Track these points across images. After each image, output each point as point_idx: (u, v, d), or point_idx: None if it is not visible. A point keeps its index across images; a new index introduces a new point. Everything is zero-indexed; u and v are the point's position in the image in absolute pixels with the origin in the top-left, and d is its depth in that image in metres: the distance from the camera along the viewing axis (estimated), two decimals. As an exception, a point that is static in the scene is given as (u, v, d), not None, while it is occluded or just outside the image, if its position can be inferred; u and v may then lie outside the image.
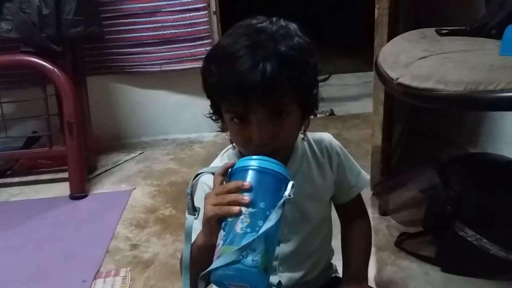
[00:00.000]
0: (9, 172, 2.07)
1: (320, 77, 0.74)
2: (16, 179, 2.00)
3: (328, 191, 0.85)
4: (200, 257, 0.66)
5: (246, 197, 0.59)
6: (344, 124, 2.38)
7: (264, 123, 0.67)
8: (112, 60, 2.25)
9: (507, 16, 1.01)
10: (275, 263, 0.61)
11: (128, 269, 1.31)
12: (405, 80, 0.94)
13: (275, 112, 0.67)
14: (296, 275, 0.82)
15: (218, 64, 0.68)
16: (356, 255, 0.87)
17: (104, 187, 1.88)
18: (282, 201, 0.60)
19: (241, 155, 0.80)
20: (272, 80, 0.63)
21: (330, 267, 0.91)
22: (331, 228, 0.90)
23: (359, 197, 0.89)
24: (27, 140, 2.15)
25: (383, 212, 1.44)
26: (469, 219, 1.11)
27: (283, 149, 0.72)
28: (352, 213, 0.90)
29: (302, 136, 0.81)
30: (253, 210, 0.59)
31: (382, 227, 1.40)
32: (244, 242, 0.57)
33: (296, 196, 0.65)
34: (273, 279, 0.74)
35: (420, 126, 2.06)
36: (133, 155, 2.20)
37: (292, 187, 0.61)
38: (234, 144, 0.79)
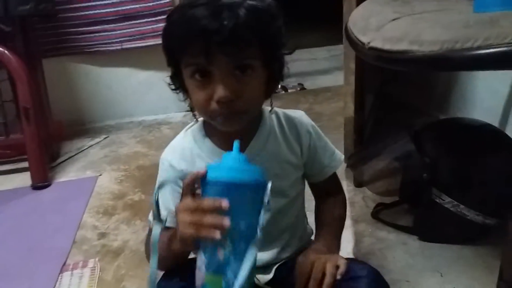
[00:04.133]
0: (-36, 164, 1.94)
1: (286, 51, 0.71)
2: (-27, 172, 1.88)
3: (298, 170, 0.80)
4: (170, 254, 0.68)
5: (226, 220, 0.55)
6: (316, 98, 2.34)
7: (227, 76, 0.62)
8: (69, 40, 2.12)
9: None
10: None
11: (97, 259, 1.24)
12: (377, 43, 0.89)
13: (239, 67, 0.63)
14: (269, 253, 0.79)
15: (180, 13, 0.63)
16: (325, 225, 0.82)
17: (68, 175, 1.78)
18: (260, 227, 0.57)
19: (204, 129, 0.76)
20: (236, 27, 0.59)
21: (307, 243, 0.87)
22: (303, 205, 0.87)
23: (333, 176, 0.86)
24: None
25: (358, 184, 1.42)
26: (445, 186, 1.09)
27: (246, 112, 0.67)
28: (327, 191, 0.87)
29: (270, 109, 0.77)
30: (234, 232, 0.55)
31: (358, 199, 1.37)
32: (229, 270, 0.56)
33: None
34: None
35: (390, 97, 2.03)
36: (97, 139, 2.10)
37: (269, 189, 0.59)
38: (196, 117, 0.76)
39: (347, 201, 0.91)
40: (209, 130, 0.76)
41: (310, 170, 0.82)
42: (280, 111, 0.80)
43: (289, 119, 0.79)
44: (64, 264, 1.23)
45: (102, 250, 1.28)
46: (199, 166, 0.71)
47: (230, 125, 0.68)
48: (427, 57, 0.76)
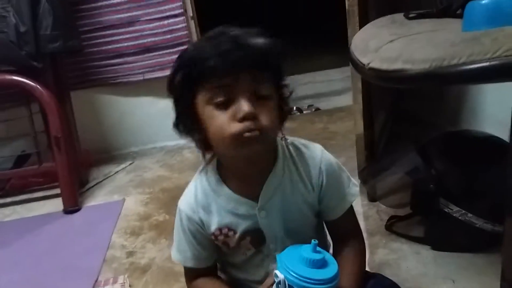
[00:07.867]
0: (0, 193, 2.07)
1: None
2: (8, 200, 2.00)
3: (313, 209, 0.81)
4: None
5: None
6: (330, 117, 2.40)
7: (251, 95, 0.67)
8: (94, 73, 2.27)
9: (470, -5, 1.04)
10: None
11: (126, 275, 1.32)
12: (376, 64, 0.96)
13: (259, 96, 0.69)
14: None
15: (205, 42, 0.70)
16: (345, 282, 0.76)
17: (96, 199, 1.89)
18: None
19: (219, 174, 0.79)
20: (259, 52, 0.68)
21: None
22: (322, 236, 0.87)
23: (349, 213, 0.83)
24: (16, 160, 2.15)
25: (372, 198, 1.47)
26: (452, 195, 1.14)
27: (267, 133, 0.69)
28: (343, 233, 0.84)
29: (284, 142, 0.80)
30: None
31: (372, 213, 1.42)
32: None
33: (279, 214, 0.74)
34: None
35: (404, 113, 2.08)
36: (123, 165, 2.21)
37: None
38: (204, 157, 0.78)
39: (361, 216, 0.92)
40: (224, 175, 0.78)
41: (323, 207, 0.81)
42: (293, 144, 0.80)
43: (301, 155, 0.79)
44: (96, 280, 1.31)
45: (130, 267, 1.36)
46: (216, 213, 0.77)
47: (250, 147, 0.68)
48: (419, 75, 0.82)
